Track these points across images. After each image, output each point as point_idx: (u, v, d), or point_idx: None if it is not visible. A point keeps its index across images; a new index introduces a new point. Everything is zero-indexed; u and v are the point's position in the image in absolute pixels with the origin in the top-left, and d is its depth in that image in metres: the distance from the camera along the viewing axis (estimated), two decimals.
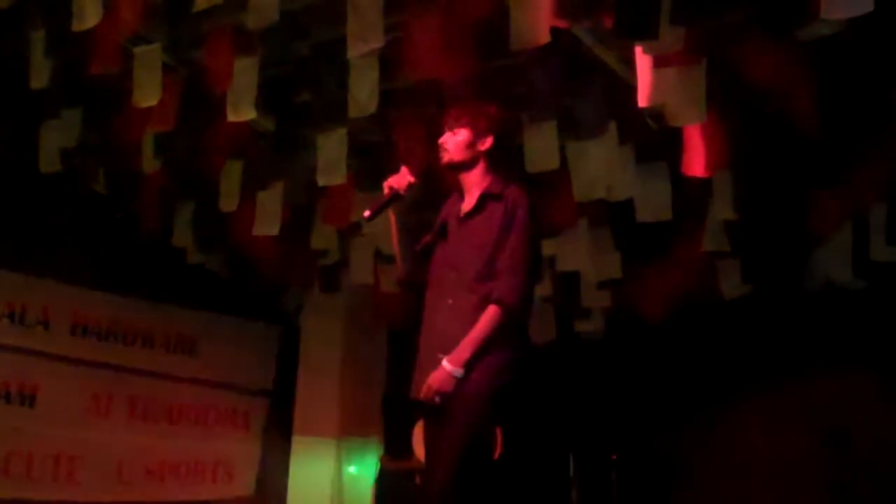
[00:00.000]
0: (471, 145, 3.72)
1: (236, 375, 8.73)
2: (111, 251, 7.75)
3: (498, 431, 7.56)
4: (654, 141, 5.92)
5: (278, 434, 8.81)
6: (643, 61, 5.05)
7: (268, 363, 8.96)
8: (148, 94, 5.66)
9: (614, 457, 7.86)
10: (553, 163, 5.79)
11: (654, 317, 7.30)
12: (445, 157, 3.76)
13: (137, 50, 5.70)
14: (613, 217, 6.78)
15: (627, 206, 6.24)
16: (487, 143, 3.73)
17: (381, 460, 8.49)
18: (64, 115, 6.39)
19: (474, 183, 3.75)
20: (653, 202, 6.14)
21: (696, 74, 5.03)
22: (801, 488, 7.49)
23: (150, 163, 6.58)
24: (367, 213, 3.74)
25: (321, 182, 6.17)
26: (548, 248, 6.87)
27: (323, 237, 7.43)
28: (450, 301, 3.60)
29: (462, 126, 3.73)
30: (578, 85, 5.73)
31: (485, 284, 3.54)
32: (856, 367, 7.52)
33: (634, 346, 8.33)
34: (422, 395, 3.48)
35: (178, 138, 6.35)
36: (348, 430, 8.39)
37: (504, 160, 3.82)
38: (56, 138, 6.48)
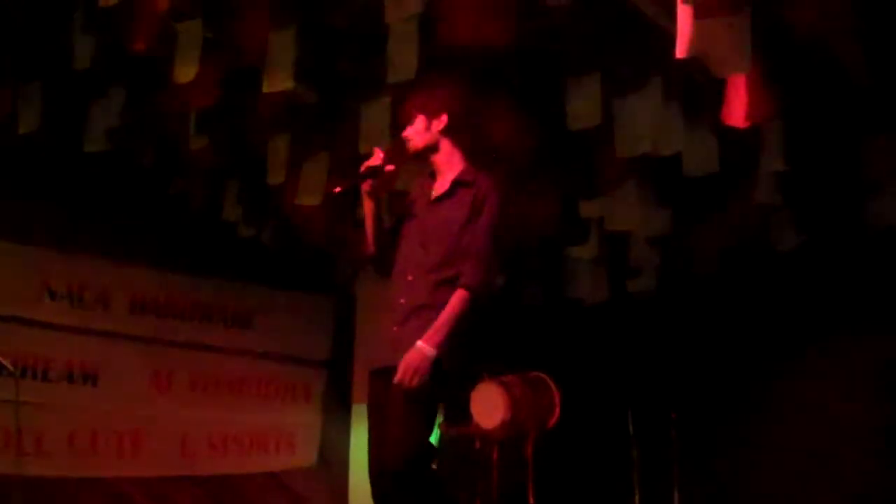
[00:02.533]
0: (427, 128, 3.82)
1: (294, 347, 8.77)
2: (163, 229, 7.81)
3: (556, 396, 7.55)
4: (700, 94, 5.81)
5: (338, 403, 8.87)
6: (684, 11, 4.94)
7: (324, 333, 8.99)
8: (188, 69, 5.66)
9: (674, 415, 7.80)
10: (595, 119, 5.71)
11: (707, 272, 7.21)
12: (410, 147, 3.87)
13: (180, 25, 5.70)
14: (661, 173, 6.67)
15: (675, 161, 6.14)
16: (442, 121, 3.83)
17: (441, 427, 8.50)
18: (109, 93, 6.40)
19: (446, 166, 3.87)
20: (700, 155, 6.04)
21: (740, 23, 4.91)
22: (865, 442, 7.36)
23: (195, 139, 6.61)
24: (337, 189, 3.82)
25: (364, 151, 6.15)
26: (594, 208, 6.82)
27: None
28: (409, 277, 3.73)
29: (416, 113, 3.83)
30: (620, 39, 5.64)
31: (449, 267, 3.67)
32: None
33: (688, 302, 8.24)
34: (398, 377, 3.53)
35: (222, 113, 6.37)
36: None
37: (479, 143, 3.95)
38: (102, 118, 6.51)
